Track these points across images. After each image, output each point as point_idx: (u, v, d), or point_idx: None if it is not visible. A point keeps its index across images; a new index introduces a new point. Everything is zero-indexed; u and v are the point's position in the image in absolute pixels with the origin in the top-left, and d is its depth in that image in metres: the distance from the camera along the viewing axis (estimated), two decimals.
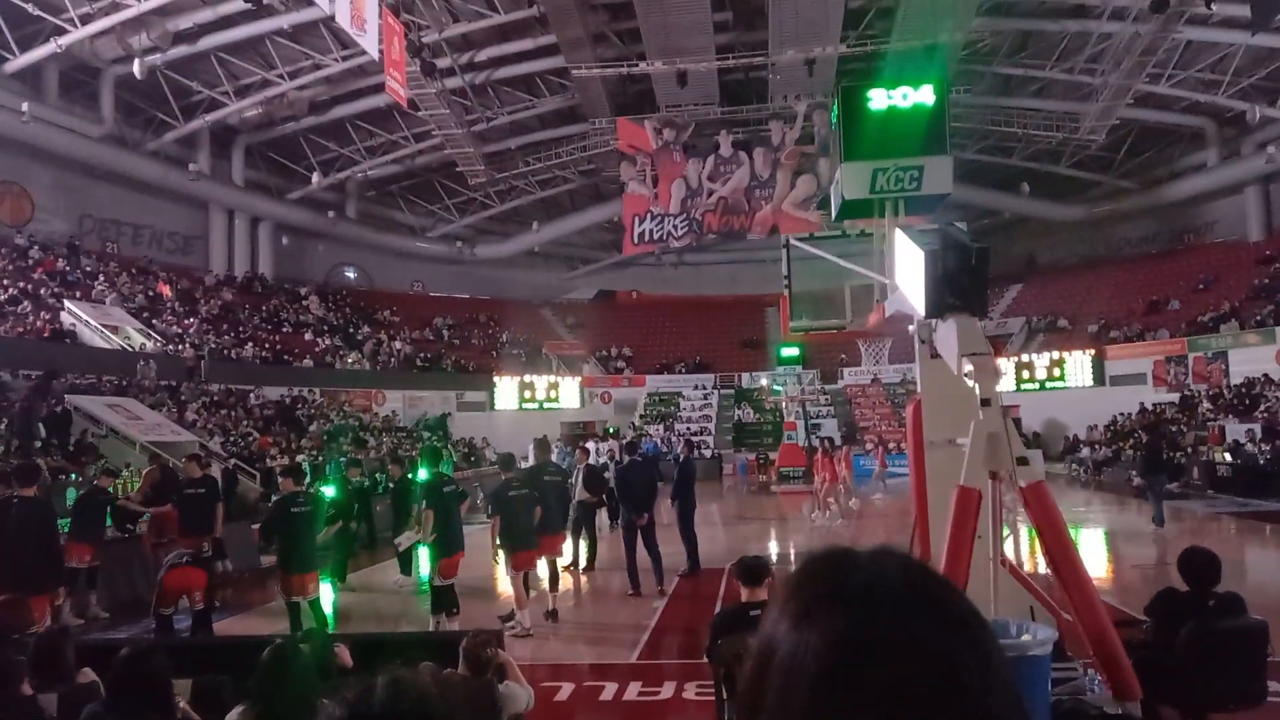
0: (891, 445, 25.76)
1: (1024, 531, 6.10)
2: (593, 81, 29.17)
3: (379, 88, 25.64)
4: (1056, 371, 29.99)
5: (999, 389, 4.83)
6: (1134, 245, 35.15)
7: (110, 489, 11.25)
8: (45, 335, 20.27)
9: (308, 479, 9.18)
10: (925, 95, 7.37)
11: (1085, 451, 26.24)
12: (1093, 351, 29.70)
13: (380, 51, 21.51)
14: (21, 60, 23.21)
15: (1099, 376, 29.33)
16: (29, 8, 22.18)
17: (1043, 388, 29.87)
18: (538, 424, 27.06)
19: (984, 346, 4.83)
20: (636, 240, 33.73)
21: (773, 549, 14.45)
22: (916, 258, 5.28)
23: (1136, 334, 29.73)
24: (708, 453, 29.55)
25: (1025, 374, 30.23)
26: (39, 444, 14.95)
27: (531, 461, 10.05)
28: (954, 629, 0.71)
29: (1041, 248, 37.34)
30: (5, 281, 21.44)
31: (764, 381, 33.57)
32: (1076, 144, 31.13)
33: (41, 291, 22.13)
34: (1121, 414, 26.75)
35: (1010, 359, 29.62)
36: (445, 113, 28.59)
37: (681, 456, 13.45)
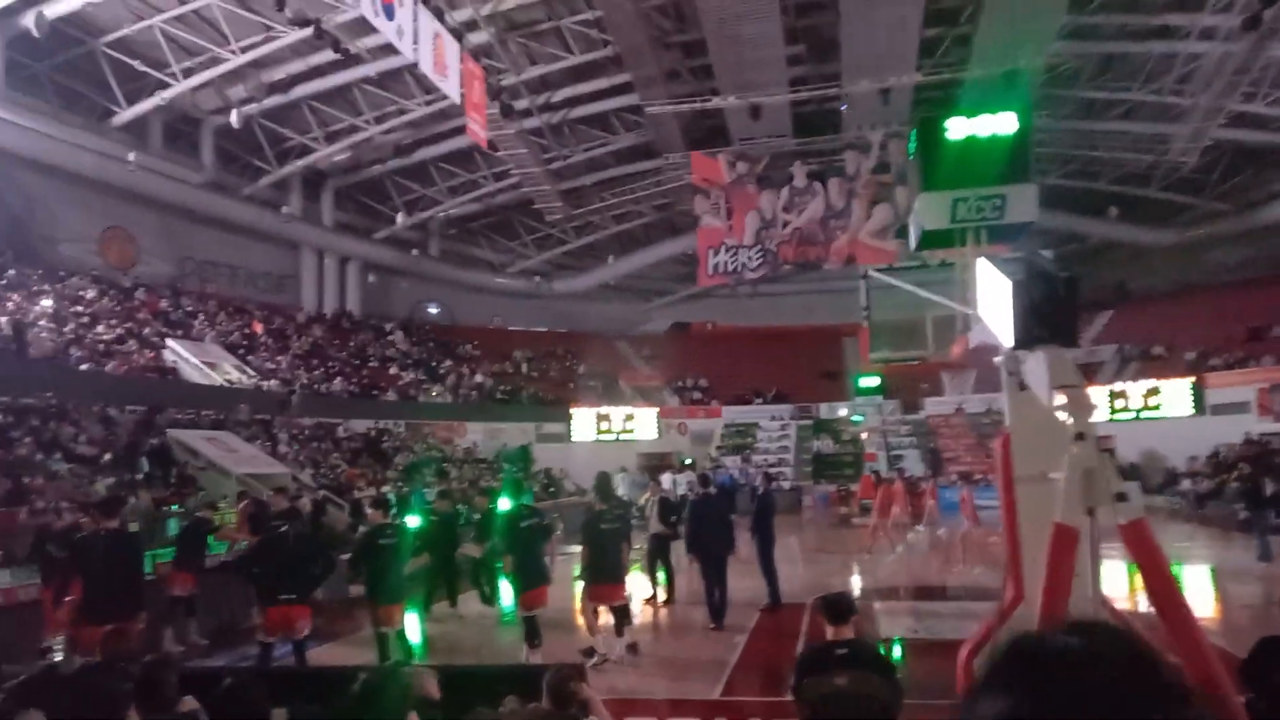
0: (978, 477, 25.03)
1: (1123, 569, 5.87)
2: (666, 117, 29.52)
3: (460, 130, 26.43)
4: (1153, 400, 28.74)
5: (1093, 421, 4.69)
6: (1231, 270, 33.58)
7: (213, 520, 11.72)
8: (149, 372, 21.30)
9: (394, 511, 9.37)
10: (1006, 122, 7.23)
11: (1186, 484, 25.02)
12: (1192, 379, 28.41)
13: (461, 95, 22.19)
14: (129, 113, 24.68)
15: (1199, 405, 28.00)
16: (136, 64, 23.63)
17: (1138, 417, 28.65)
18: (615, 454, 27.18)
19: (1076, 379, 4.70)
20: (711, 272, 33.77)
21: (855, 584, 14.15)
22: (1002, 288, 5.18)
23: (1238, 360, 28.34)
24: (786, 484, 29.18)
25: (1119, 403, 29.06)
26: (142, 476, 15.68)
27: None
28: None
29: (1132, 273, 36.02)
30: (113, 321, 22.65)
31: (843, 412, 33.06)
32: (1167, 166, 30.06)
33: (145, 330, 23.31)
34: (1224, 444, 25.46)
35: (1103, 388, 28.54)
36: (523, 152, 29.28)
37: (760, 489, 13.32)
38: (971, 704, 0.76)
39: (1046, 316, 4.98)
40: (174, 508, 13.94)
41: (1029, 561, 5.10)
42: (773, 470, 30.40)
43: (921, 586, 13.62)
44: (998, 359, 5.94)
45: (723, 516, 11.04)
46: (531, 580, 8.64)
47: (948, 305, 7.85)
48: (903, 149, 28.07)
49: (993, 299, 5.72)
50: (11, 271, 21.82)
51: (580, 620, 9.38)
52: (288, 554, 8.48)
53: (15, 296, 20.64)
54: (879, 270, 9.52)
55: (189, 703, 4.52)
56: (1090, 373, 27.79)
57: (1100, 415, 26.40)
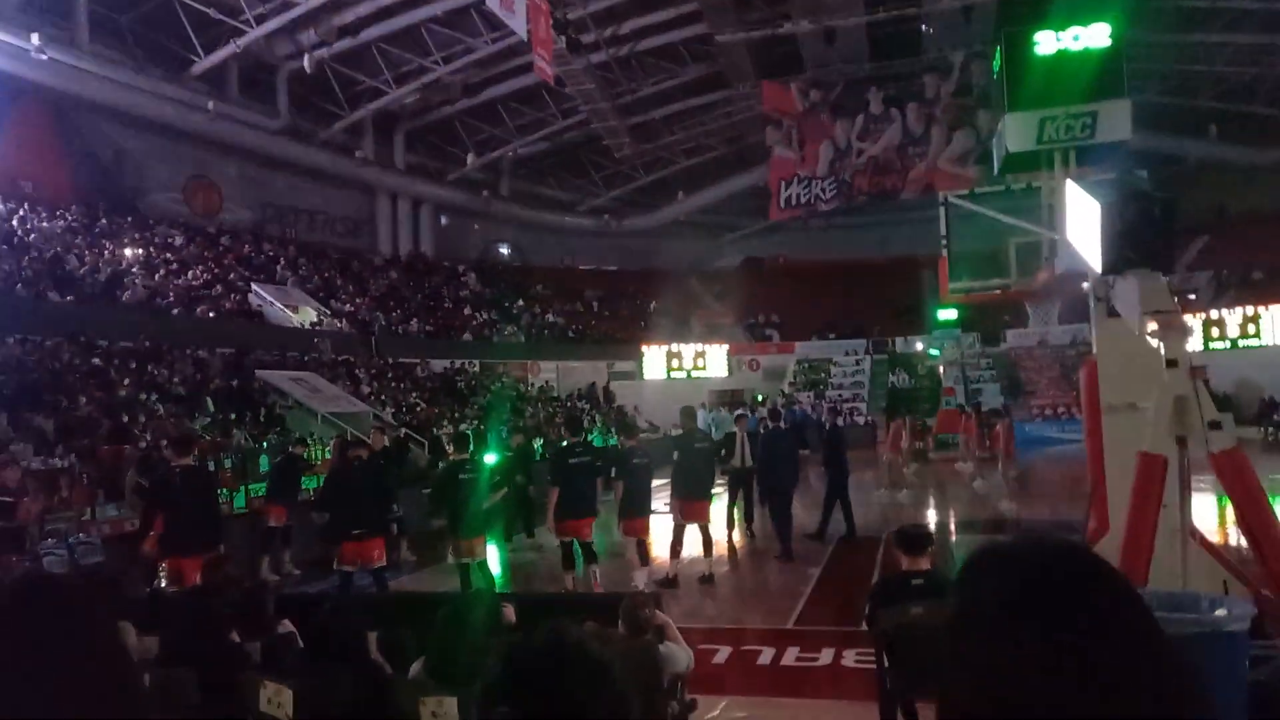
0: (1062, 410, 24.37)
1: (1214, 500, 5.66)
2: (736, 46, 28.74)
3: (527, 67, 26.23)
4: (1251, 329, 27.38)
5: (1187, 349, 4.48)
6: None
7: (304, 456, 12.20)
8: (236, 316, 22.06)
9: (472, 447, 9.60)
10: (1098, 35, 6.83)
11: None
12: None
13: (528, 31, 21.97)
14: (206, 62, 25.17)
15: None
16: (211, 12, 24.00)
17: (1235, 346, 27.34)
18: (685, 391, 27.24)
19: (1169, 304, 4.48)
20: (783, 205, 33.16)
21: (931, 517, 14.02)
22: (1092, 211, 4.95)
23: None
24: (860, 420, 28.89)
25: (1215, 331, 27.76)
26: (234, 416, 16.36)
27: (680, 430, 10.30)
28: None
29: (1232, 196, 33.96)
30: (200, 268, 23.47)
31: (920, 346, 32.40)
32: (1274, 80, 28.07)
33: (231, 275, 24.10)
34: None
35: (1197, 316, 27.28)
36: (591, 87, 28.93)
37: (828, 424, 13.23)
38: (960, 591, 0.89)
39: (1139, 240, 4.74)
40: (264, 444, 14.53)
41: (1115, 493, 4.96)
42: (848, 405, 30.16)
43: (998, 519, 13.41)
44: (1086, 285, 5.71)
45: (790, 451, 11.06)
46: (570, 512, 8.85)
47: (1033, 231, 7.56)
48: (986, 69, 26.81)
49: (1081, 223, 5.47)
50: (103, 221, 22.71)
51: (655, 555, 9.53)
52: (354, 490, 8.83)
53: (109, 245, 21.50)
54: (959, 197, 9.18)
55: (285, 625, 4.78)
56: (1184, 298, 26.55)
57: (1194, 344, 25.31)
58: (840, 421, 16.12)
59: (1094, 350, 5.70)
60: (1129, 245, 4.75)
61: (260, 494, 11.96)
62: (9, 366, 13.82)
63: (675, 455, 9.82)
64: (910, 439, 17.94)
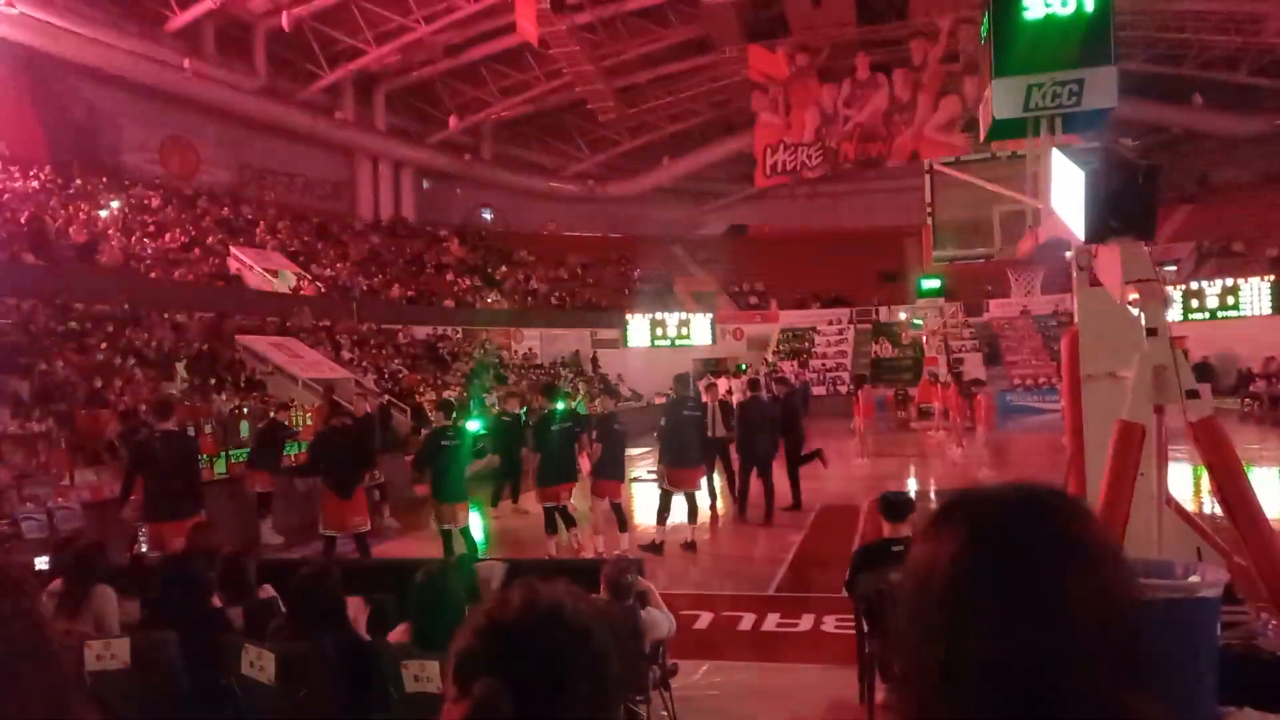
0: (1043, 380, 24.56)
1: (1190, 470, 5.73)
2: (723, 8, 28.39)
3: (510, 27, 25.82)
4: (1230, 300, 27.64)
5: (1167, 318, 4.50)
6: None
7: (287, 423, 12.13)
8: (215, 279, 21.80)
9: (455, 414, 9.60)
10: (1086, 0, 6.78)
11: (1260, 385, 24.24)
12: (1272, 278, 27.16)
13: None
14: (181, 18, 24.62)
15: (1279, 305, 26.87)
16: None
17: (1213, 317, 27.61)
18: (670, 359, 27.26)
19: (1150, 272, 4.49)
20: (769, 172, 33.00)
21: (912, 486, 14.16)
22: (1076, 178, 4.93)
23: None
24: (842, 389, 29.02)
25: (1194, 302, 28.01)
26: (212, 381, 16.22)
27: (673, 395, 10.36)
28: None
29: (1214, 165, 34.14)
30: (178, 230, 23.13)
31: (903, 315, 32.51)
32: (1258, 49, 28.05)
33: (209, 239, 23.77)
34: None
35: (1177, 287, 27.49)
36: (575, 49, 28.54)
37: (779, 395, 13.11)
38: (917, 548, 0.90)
39: (1122, 208, 4.73)
40: (243, 410, 14.42)
41: (1092, 462, 5.01)
42: (830, 374, 30.29)
43: (977, 487, 13.54)
44: (1068, 254, 5.72)
45: (769, 419, 11.18)
46: (551, 477, 8.89)
47: (1017, 200, 7.54)
48: (974, 35, 26.65)
49: (1066, 191, 5.46)
50: (78, 181, 22.30)
51: (638, 522, 9.60)
52: (341, 452, 8.87)
53: (84, 206, 21.14)
54: (945, 164, 9.13)
55: (267, 590, 4.78)
56: (1164, 269, 26.74)
57: (1174, 314, 25.54)
58: (797, 387, 16.33)
59: (1075, 319, 5.73)
60: (1112, 213, 4.75)
61: (241, 460, 11.92)
62: None
63: (663, 421, 9.81)
64: (960, 406, 18.10)
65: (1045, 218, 6.60)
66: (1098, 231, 4.82)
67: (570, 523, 9.14)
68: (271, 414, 12.63)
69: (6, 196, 19.31)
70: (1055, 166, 6.01)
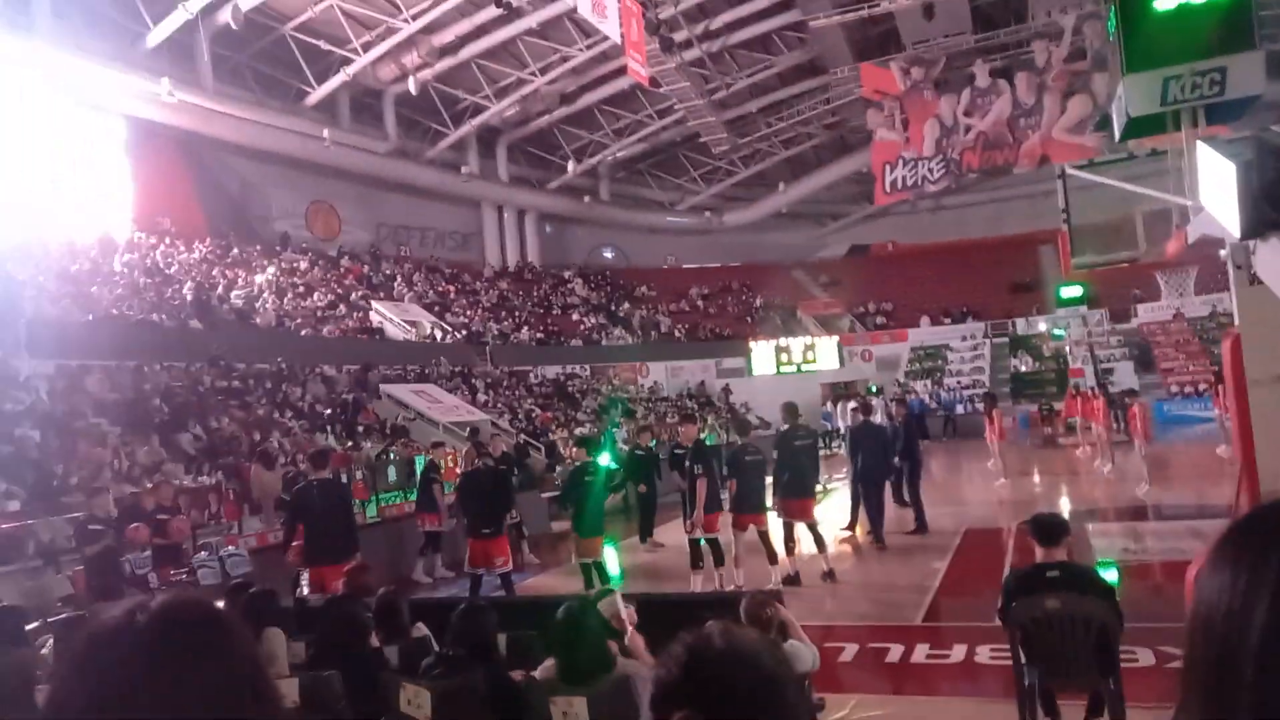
0: (1203, 387, 22.87)
1: None
2: (831, 30, 28.17)
3: (621, 70, 26.42)
4: None
5: None
6: None
7: (438, 463, 12.67)
8: (359, 334, 23.07)
9: (592, 450, 9.82)
10: None
11: None
12: None
13: (620, 34, 22.14)
14: (319, 92, 26.42)
15: None
16: (320, 44, 25.21)
17: None
18: (797, 385, 26.90)
19: None
20: (889, 189, 32.26)
21: (1064, 506, 13.40)
22: (1226, 171, 4.64)
23: None
24: (979, 406, 27.86)
25: None
26: (361, 429, 17.12)
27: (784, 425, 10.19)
28: None
29: None
30: (324, 290, 24.65)
31: (1042, 326, 31.01)
32: None
33: (352, 295, 25.21)
34: None
35: None
36: (685, 85, 28.92)
37: (899, 419, 12.59)
38: (1208, 579, 0.69)
39: None
40: (391, 455, 15.11)
41: (1266, 471, 4.64)
42: (967, 392, 29.14)
43: (1137, 506, 12.70)
44: (1223, 252, 5.36)
45: (881, 442, 11.06)
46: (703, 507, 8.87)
47: (1161, 198, 7.14)
48: (1101, 30, 25.43)
49: (1215, 186, 5.13)
50: (235, 250, 24.14)
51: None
52: (482, 492, 9.17)
53: (241, 273, 22.85)
54: (1078, 167, 8.75)
55: (420, 629, 4.98)
56: None
57: None
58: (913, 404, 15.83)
59: (1235, 321, 5.35)
60: (1270, 205, 4.43)
61: (391, 502, 12.52)
62: (158, 392, 14.84)
63: (775, 454, 9.59)
64: (1108, 418, 17.21)
65: (1194, 215, 6.22)
66: (1255, 226, 4.52)
67: (719, 557, 9.02)
68: (429, 458, 13.18)
69: (174, 269, 21.09)
70: (1201, 160, 5.67)
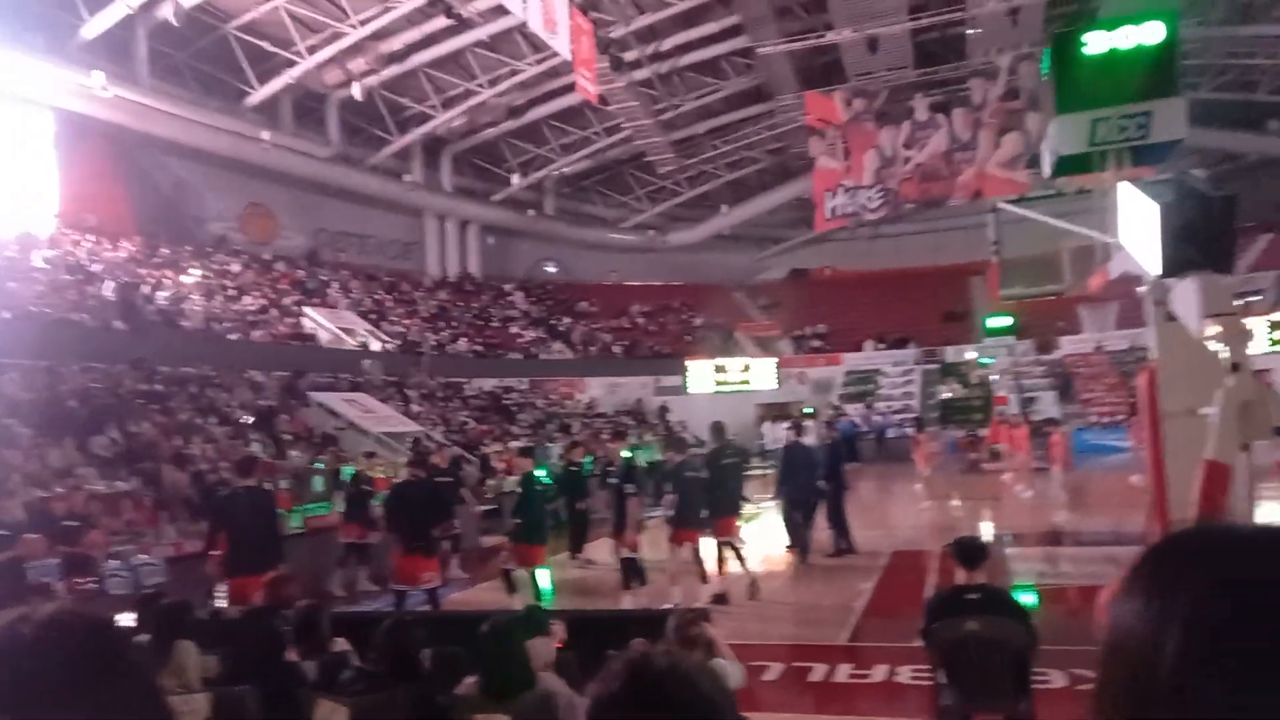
0: (1120, 417, 23.71)
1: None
2: (778, 58, 28.70)
3: (570, 87, 26.47)
4: None
5: (1250, 352, 4.34)
6: None
7: (368, 475, 12.42)
8: (290, 339, 22.54)
9: (538, 461, 9.80)
10: (1151, 32, 6.66)
11: None
12: None
13: (571, 51, 22.20)
14: (261, 93, 25.87)
15: None
16: (264, 45, 24.71)
17: None
18: (732, 405, 27.10)
19: (1230, 306, 4.35)
20: (829, 215, 32.89)
21: (986, 530, 13.73)
22: (1148, 211, 4.83)
23: None
24: (909, 430, 28.46)
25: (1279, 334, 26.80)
26: (290, 437, 16.67)
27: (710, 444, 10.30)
28: None
29: None
30: (256, 293, 24.05)
31: (971, 355, 31.84)
32: None
33: (285, 300, 24.64)
34: None
35: (1261, 318, 26.37)
36: (634, 104, 29.12)
37: (827, 441, 12.80)
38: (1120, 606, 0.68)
39: (1198, 240, 4.62)
40: (318, 465, 14.77)
41: (1176, 502, 4.81)
42: (897, 416, 29.71)
43: (1053, 531, 13.08)
44: (1142, 289, 5.57)
45: (809, 463, 11.20)
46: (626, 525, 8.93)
47: (1086, 235, 7.40)
48: (1034, 71, 26.38)
49: (1137, 225, 5.34)
50: (164, 250, 23.41)
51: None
52: (414, 506, 9.01)
53: (169, 273, 22.16)
54: (1009, 202, 9.04)
55: (340, 644, 4.84)
56: (1248, 300, 25.72)
57: (1258, 347, 24.46)
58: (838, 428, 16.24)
59: (1152, 356, 5.56)
60: (1187, 246, 4.62)
61: (317, 513, 12.21)
62: (75, 394, 14.27)
63: (704, 473, 9.54)
64: (1028, 446, 17.75)
65: (1116, 252, 6.46)
66: (1174, 265, 4.71)
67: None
68: (358, 469, 12.92)
69: (98, 267, 20.35)
70: (1125, 200, 5.89)
